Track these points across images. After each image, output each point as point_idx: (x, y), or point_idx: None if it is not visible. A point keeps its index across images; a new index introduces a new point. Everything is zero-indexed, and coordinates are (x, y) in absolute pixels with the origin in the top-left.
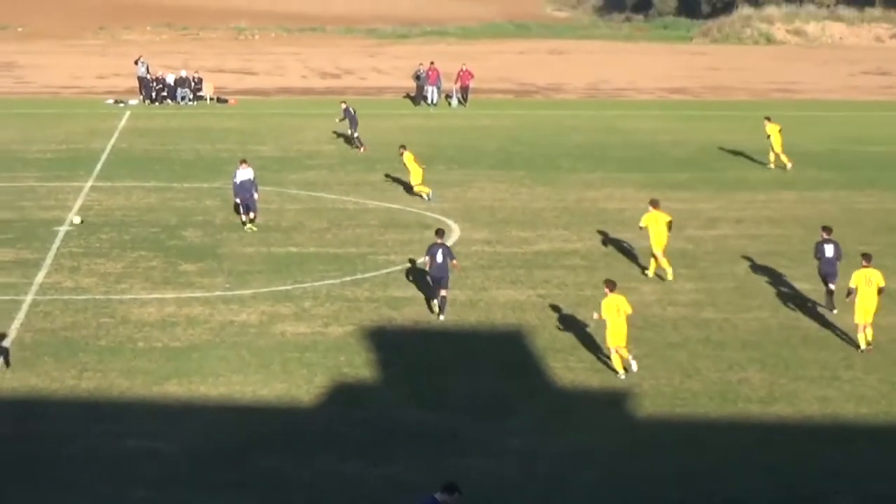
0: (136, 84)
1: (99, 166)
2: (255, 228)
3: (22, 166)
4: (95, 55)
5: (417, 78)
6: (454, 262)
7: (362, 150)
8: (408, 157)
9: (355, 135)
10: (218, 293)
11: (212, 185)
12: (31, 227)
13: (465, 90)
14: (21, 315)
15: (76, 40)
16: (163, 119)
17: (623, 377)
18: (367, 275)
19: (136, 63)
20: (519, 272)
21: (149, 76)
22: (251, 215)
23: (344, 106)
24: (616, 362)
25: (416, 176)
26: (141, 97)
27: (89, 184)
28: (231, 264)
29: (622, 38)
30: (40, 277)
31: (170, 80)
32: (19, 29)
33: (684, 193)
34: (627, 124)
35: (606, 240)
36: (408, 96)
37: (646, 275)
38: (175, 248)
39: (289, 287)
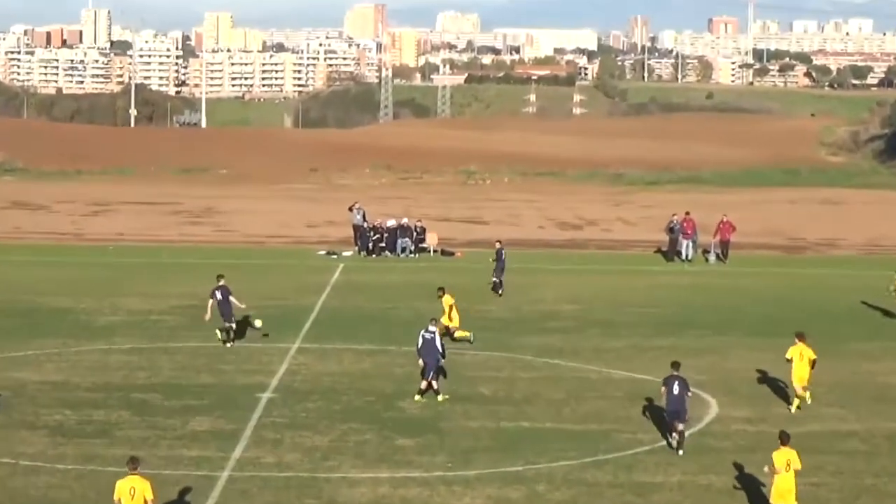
0: (351, 233)
1: (307, 326)
2: (442, 398)
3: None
4: (306, 200)
5: (671, 230)
6: (689, 393)
7: (500, 293)
8: (447, 300)
9: (496, 280)
10: (438, 473)
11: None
12: (230, 394)
13: (724, 245)
14: (216, 493)
15: (284, 184)
16: (380, 273)
17: None
18: (609, 455)
19: (350, 210)
20: None
21: (365, 224)
22: (433, 384)
23: (498, 246)
24: None
25: (455, 321)
26: (356, 248)
27: (296, 345)
28: (454, 440)
29: None
30: (238, 451)
31: (390, 226)
32: (222, 171)
33: None
34: None
35: (890, 420)
36: (659, 251)
37: (789, 410)
38: (391, 420)
39: (519, 468)
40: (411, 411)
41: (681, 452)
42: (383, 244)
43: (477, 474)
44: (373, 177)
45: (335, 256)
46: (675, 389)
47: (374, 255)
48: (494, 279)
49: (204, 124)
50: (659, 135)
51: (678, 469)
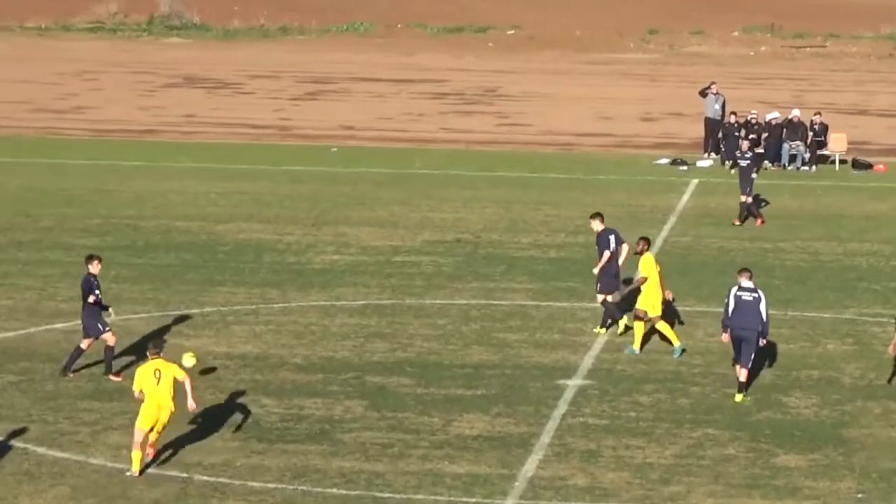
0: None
1: None
2: (742, 398)
3: (506, 269)
4: (637, 79)
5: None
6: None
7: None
8: (647, 264)
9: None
10: None
11: (838, 314)
12: (518, 379)
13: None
14: None
15: (604, 52)
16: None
17: None
18: None
19: (703, 94)
20: None
21: (730, 119)
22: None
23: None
24: None
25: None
26: (718, 153)
27: None
28: (868, 457)
29: None
30: (530, 467)
31: (771, 121)
32: (509, 32)
33: None
34: None
35: None
36: None
37: None
38: (770, 424)
39: None
40: (801, 412)
41: None
42: (761, 149)
43: None
44: (745, 43)
45: (684, 168)
46: None
47: None
48: (744, 199)
49: None
50: None
51: None
